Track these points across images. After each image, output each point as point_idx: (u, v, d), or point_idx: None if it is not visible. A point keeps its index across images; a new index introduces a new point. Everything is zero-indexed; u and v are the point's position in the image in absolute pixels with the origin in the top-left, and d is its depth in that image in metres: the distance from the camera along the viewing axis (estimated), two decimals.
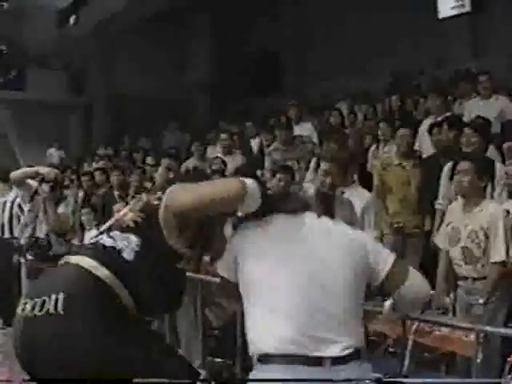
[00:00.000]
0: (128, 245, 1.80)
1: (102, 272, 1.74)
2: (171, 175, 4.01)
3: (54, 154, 12.18)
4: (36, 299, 1.72)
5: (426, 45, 9.56)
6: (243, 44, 13.01)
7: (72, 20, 11.94)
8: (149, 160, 8.12)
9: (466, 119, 5.35)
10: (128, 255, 1.79)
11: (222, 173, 5.37)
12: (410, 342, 3.27)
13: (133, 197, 5.96)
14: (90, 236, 5.53)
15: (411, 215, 4.69)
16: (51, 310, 1.69)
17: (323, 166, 3.38)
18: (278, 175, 4.52)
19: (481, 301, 3.34)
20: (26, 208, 4.93)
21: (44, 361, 1.71)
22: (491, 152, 4.55)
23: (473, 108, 5.76)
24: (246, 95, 12.30)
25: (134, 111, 12.80)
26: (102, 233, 1.92)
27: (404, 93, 8.04)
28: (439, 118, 5.27)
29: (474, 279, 3.42)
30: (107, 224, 1.99)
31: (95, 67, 13.95)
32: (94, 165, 8.79)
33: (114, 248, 1.81)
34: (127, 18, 11.96)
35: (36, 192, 4.32)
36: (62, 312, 1.68)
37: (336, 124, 7.21)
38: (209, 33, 13.53)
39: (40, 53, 13.68)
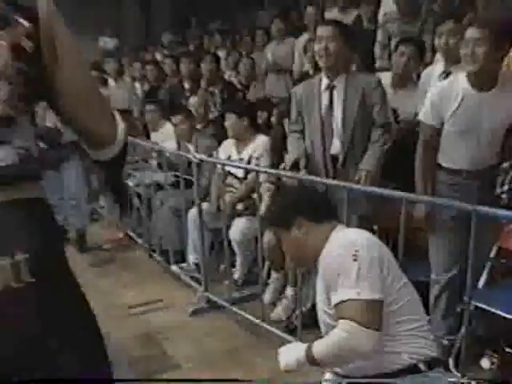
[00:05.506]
0: None
1: None
2: None
3: (107, 40, 10.72)
4: None
5: None
6: None
7: None
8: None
9: None
10: None
11: None
12: (494, 248, 2.95)
13: (205, 89, 5.27)
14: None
15: None
16: None
17: (474, 33, 2.51)
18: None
19: None
20: None
21: None
22: None
23: None
24: None
25: None
26: None
27: None
28: None
29: None
30: None
31: None
32: (157, 54, 8.04)
33: None
34: None
35: None
36: None
37: None
38: None
39: None
